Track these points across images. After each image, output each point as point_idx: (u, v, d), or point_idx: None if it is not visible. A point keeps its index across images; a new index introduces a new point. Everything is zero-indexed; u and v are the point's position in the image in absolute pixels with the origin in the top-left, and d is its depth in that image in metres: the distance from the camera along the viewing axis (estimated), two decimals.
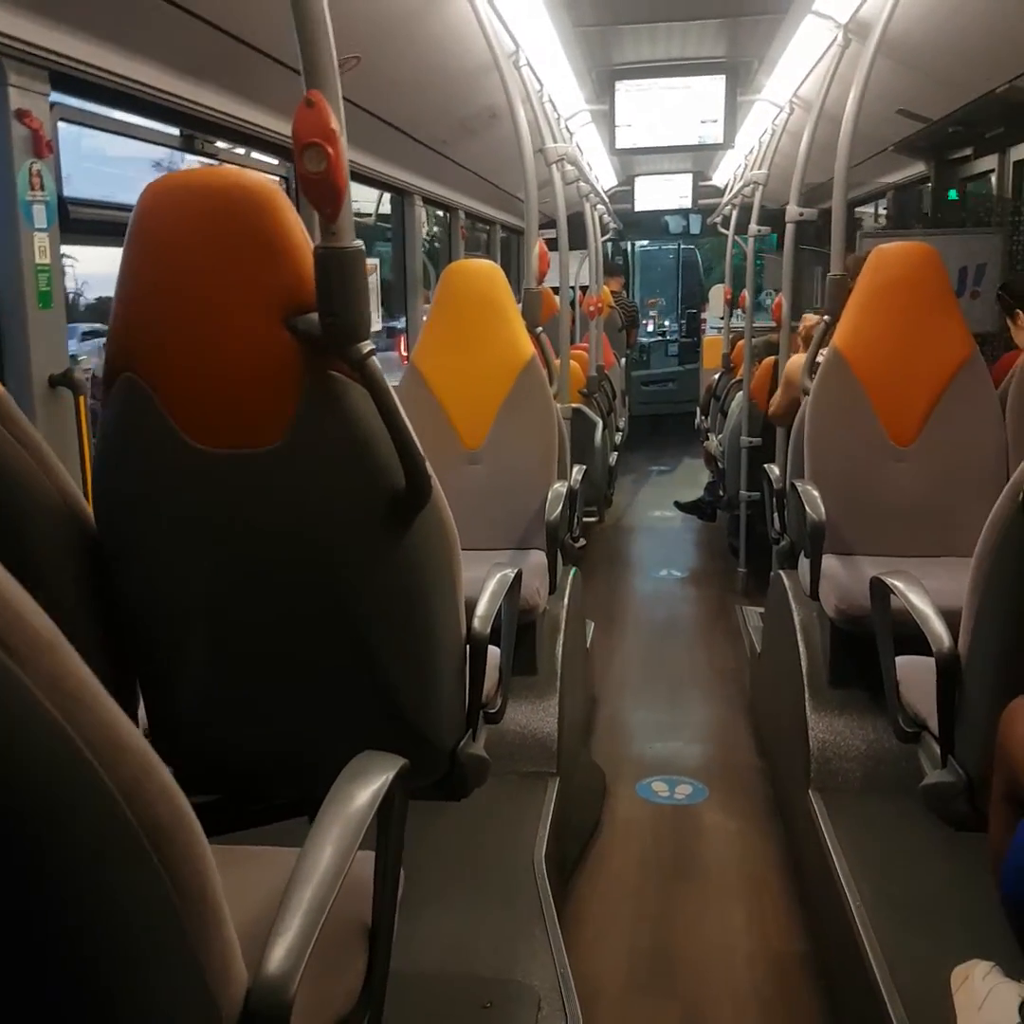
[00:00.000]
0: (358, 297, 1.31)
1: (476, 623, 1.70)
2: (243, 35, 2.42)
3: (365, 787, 1.04)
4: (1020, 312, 3.03)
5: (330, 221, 1.26)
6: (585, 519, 4.57)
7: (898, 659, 1.86)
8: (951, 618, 1.62)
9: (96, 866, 0.66)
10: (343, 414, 1.34)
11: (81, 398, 2.24)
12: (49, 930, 0.62)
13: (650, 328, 10.93)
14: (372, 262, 4.62)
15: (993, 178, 4.84)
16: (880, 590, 1.85)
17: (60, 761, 0.62)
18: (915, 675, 1.78)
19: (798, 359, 4.02)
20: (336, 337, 1.29)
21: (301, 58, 1.22)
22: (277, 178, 3.51)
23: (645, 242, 11.31)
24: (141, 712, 1.60)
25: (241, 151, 3.33)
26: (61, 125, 2.29)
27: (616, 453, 6.52)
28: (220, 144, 3.13)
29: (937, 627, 1.61)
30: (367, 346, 1.31)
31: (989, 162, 4.84)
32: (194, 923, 0.74)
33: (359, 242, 1.29)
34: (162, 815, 0.69)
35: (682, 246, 11.12)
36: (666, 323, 11.10)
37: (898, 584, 1.76)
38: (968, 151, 4.98)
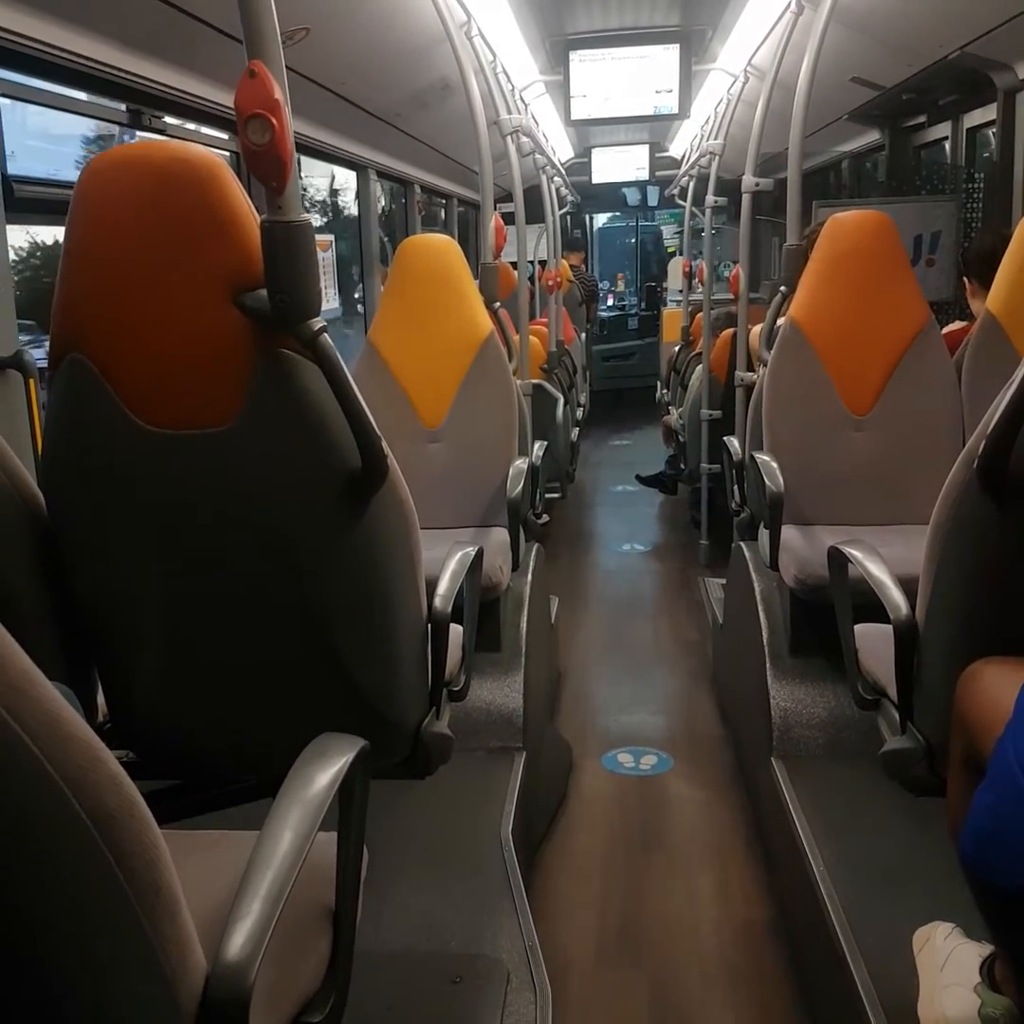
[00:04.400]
0: (308, 272, 1.28)
1: (437, 602, 1.69)
2: (189, 6, 2.37)
3: (324, 770, 1.03)
4: (968, 281, 2.98)
5: (277, 194, 1.23)
6: (548, 495, 4.57)
7: (857, 627, 1.86)
8: (908, 585, 1.63)
9: (44, 859, 0.65)
10: (295, 393, 1.31)
11: (31, 380, 2.19)
12: None
13: (610, 302, 10.89)
14: (327, 238, 4.56)
15: (947, 145, 4.87)
16: (838, 559, 1.85)
17: (1, 752, 0.60)
18: (873, 643, 1.79)
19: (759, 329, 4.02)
20: (286, 314, 1.27)
21: (243, 27, 1.19)
22: (227, 153, 3.45)
23: (604, 218, 11.27)
24: (100, 698, 1.58)
25: (191, 126, 3.26)
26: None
27: (578, 429, 6.51)
28: (169, 119, 3.07)
29: (894, 595, 1.62)
30: (318, 323, 1.29)
31: (943, 129, 4.87)
32: (148, 913, 0.73)
33: (307, 215, 1.26)
34: (111, 805, 0.68)
35: (645, 220, 11.08)
36: (625, 299, 11.04)
37: (855, 553, 1.77)
38: (922, 119, 5.00)
